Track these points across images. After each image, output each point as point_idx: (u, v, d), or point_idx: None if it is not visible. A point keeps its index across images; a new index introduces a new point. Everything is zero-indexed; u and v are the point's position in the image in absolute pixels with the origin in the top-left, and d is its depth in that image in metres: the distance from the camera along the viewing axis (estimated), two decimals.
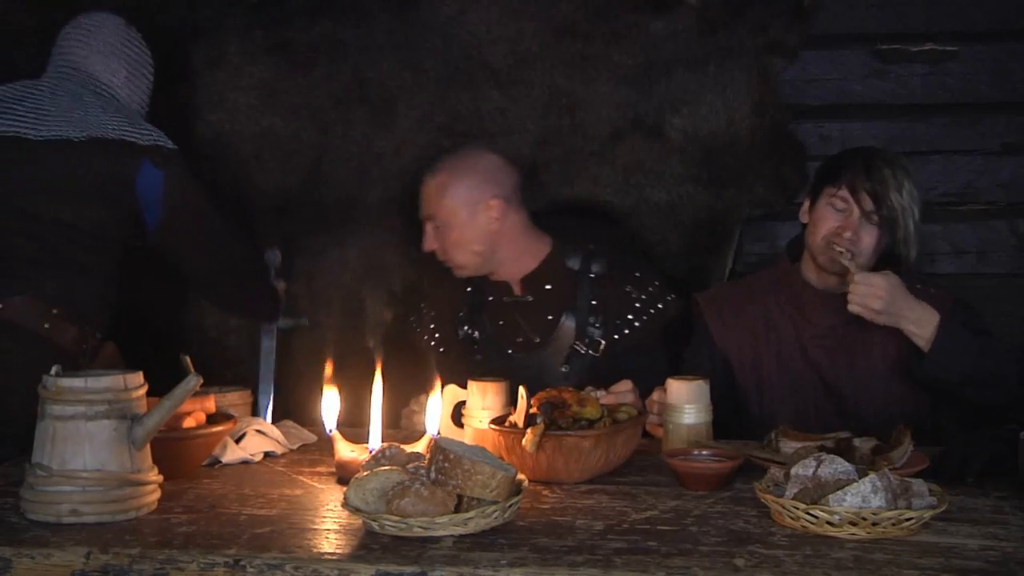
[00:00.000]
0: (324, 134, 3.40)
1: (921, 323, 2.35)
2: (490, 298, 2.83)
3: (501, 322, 2.81)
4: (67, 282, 2.53)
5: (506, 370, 2.67)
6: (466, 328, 2.81)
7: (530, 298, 2.79)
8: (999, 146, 3.22)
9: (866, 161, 2.48)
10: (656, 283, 2.84)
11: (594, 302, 2.75)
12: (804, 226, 2.59)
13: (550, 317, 2.76)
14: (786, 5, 3.19)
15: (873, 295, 2.34)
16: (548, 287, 2.79)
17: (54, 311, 2.49)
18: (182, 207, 2.68)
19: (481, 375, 2.68)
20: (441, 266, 2.91)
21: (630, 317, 2.76)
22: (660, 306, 2.79)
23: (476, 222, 2.74)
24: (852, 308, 2.37)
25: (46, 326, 2.47)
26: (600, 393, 2.35)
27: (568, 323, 2.75)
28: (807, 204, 2.58)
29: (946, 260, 3.26)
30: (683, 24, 3.23)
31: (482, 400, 2.27)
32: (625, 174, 3.29)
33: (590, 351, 2.72)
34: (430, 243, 2.79)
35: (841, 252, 2.42)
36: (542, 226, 2.87)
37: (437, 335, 2.87)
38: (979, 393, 2.38)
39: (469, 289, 2.87)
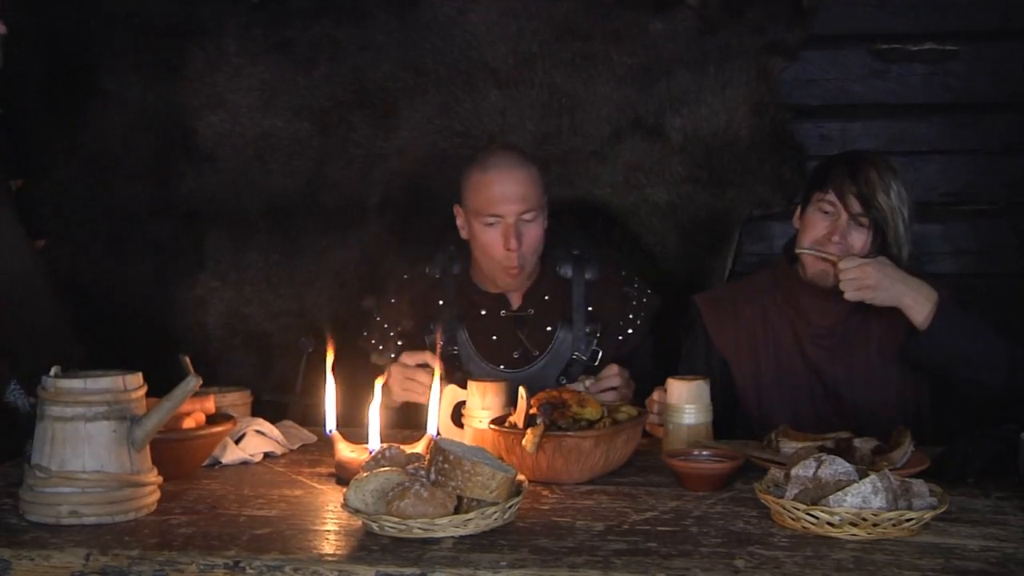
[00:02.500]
0: (325, 135, 3.40)
1: (919, 299, 2.36)
2: (482, 311, 2.71)
3: (494, 337, 2.69)
4: None
5: None
6: (442, 344, 2.63)
7: (531, 311, 2.69)
8: (999, 146, 3.22)
9: (852, 164, 2.48)
10: (636, 278, 2.78)
11: (590, 308, 2.69)
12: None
13: (548, 328, 2.69)
14: (786, 5, 3.19)
15: (863, 275, 2.34)
16: (547, 298, 2.71)
17: None
18: None
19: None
20: (397, 278, 2.80)
21: (631, 317, 2.71)
22: (645, 301, 2.74)
23: (544, 220, 2.65)
24: (849, 296, 2.36)
25: None
26: (588, 382, 2.35)
27: (565, 333, 2.67)
28: (799, 210, 2.59)
29: (947, 260, 3.26)
30: (683, 24, 3.23)
31: (482, 400, 2.27)
32: (625, 174, 3.29)
33: (588, 360, 2.67)
34: (516, 241, 2.56)
35: (812, 254, 2.42)
36: None
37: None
38: (971, 374, 2.37)
39: (441, 303, 2.72)
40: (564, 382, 2.60)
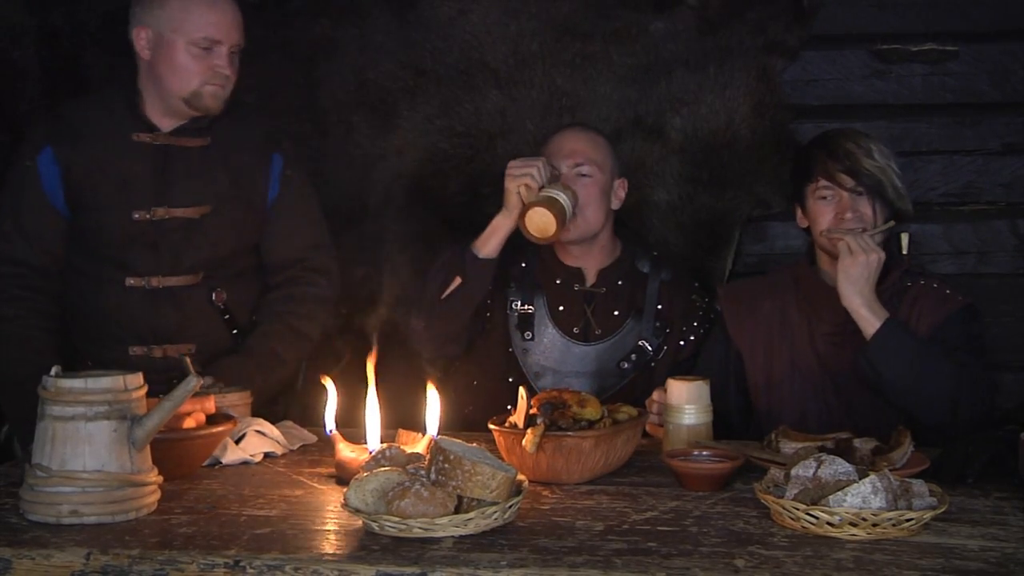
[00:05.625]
0: (325, 135, 3.40)
1: (875, 312, 2.40)
2: (557, 280, 2.80)
3: (561, 307, 2.78)
4: None
5: (559, 354, 2.74)
6: (518, 303, 2.77)
7: (603, 290, 2.78)
8: (999, 146, 3.22)
9: (827, 146, 2.53)
10: (704, 291, 2.88)
11: (660, 306, 2.77)
12: (806, 229, 2.62)
13: (616, 313, 2.77)
14: (786, 5, 3.20)
15: (856, 259, 2.39)
16: (620, 283, 2.79)
17: None
18: None
19: (533, 358, 2.75)
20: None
21: (695, 324, 2.79)
22: (712, 316, 2.81)
23: (611, 191, 2.77)
24: (841, 246, 2.42)
25: None
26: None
27: (633, 322, 2.76)
28: (798, 210, 2.61)
29: (947, 260, 3.26)
30: (683, 24, 3.23)
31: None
32: (625, 174, 3.29)
33: (653, 352, 2.75)
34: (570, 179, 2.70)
35: (840, 238, 2.45)
36: None
37: (488, 300, 2.78)
38: (901, 401, 2.40)
39: (524, 264, 2.82)
40: (626, 367, 2.72)
